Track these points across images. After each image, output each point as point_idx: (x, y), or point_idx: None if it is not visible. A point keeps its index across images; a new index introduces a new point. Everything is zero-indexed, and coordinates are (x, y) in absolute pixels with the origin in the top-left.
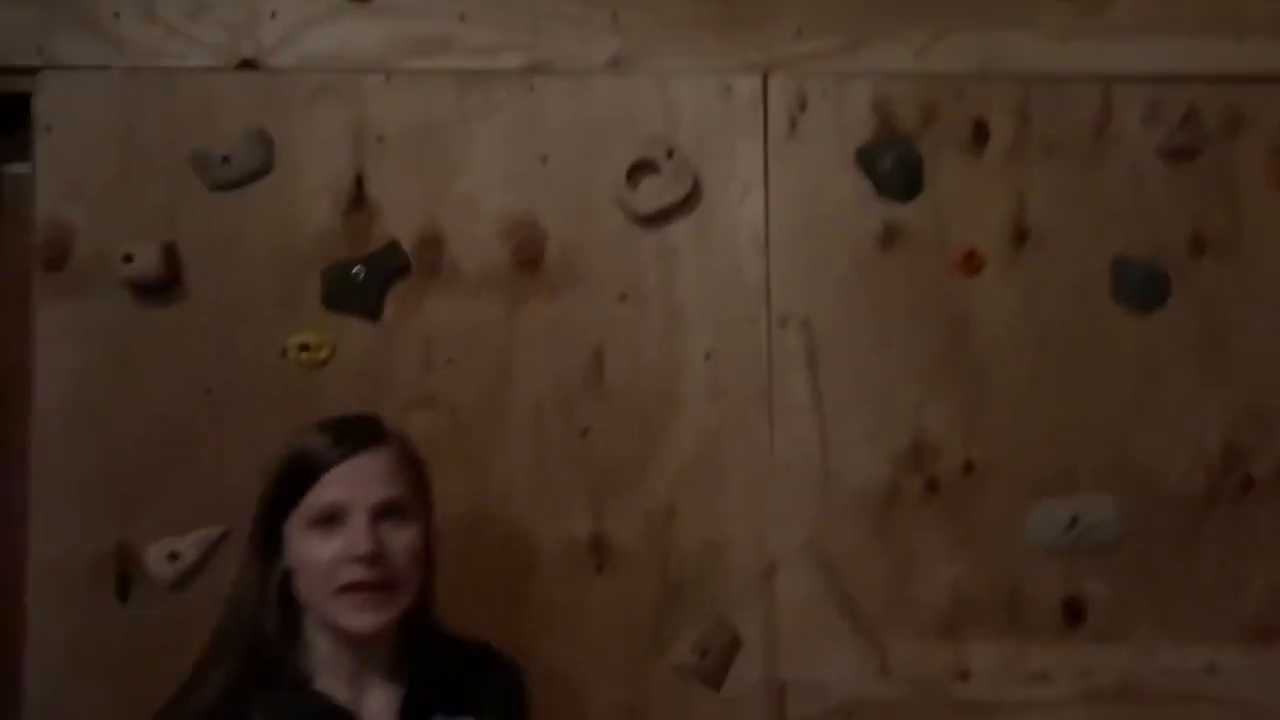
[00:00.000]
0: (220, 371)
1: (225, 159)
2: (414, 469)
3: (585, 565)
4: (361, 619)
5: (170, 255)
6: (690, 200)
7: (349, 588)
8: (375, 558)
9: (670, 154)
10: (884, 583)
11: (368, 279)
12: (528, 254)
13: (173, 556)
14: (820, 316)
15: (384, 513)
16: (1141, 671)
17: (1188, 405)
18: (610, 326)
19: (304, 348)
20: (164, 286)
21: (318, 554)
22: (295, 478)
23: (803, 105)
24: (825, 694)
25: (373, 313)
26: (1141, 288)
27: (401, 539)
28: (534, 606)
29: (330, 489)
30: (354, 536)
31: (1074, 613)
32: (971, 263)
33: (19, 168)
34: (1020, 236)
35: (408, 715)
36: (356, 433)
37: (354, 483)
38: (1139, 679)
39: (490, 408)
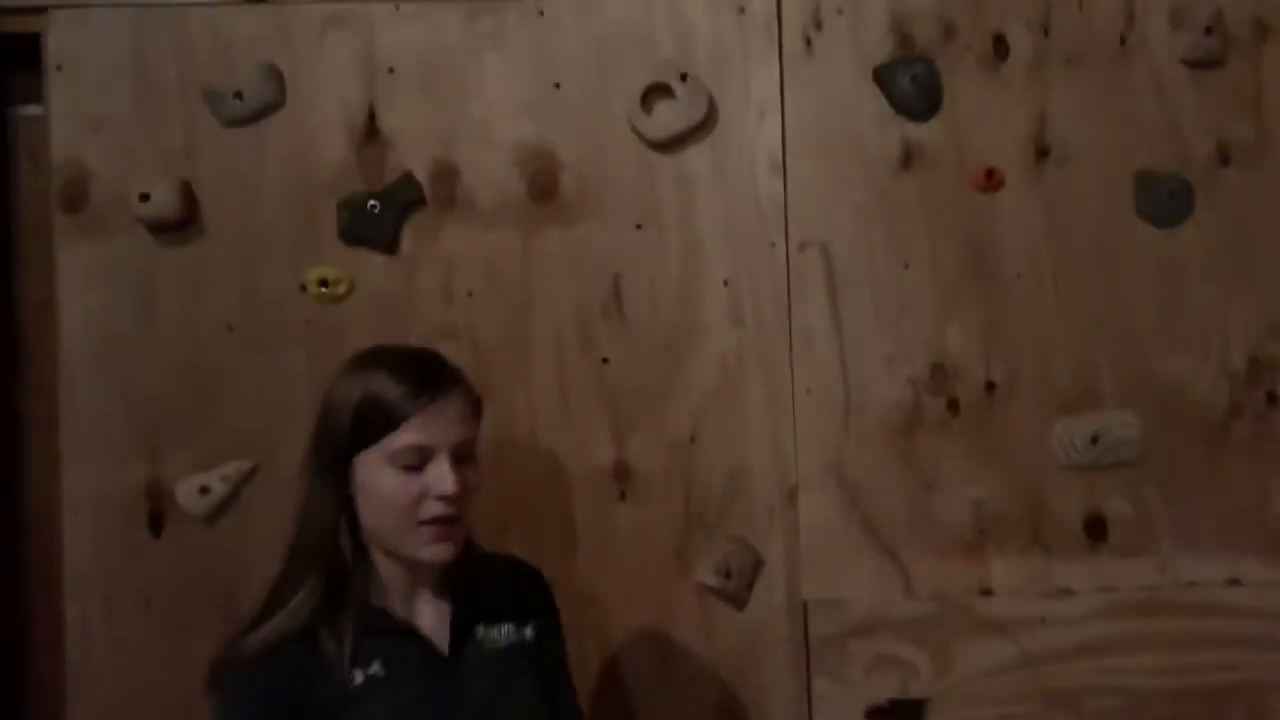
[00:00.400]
0: (242, 307)
1: (238, 95)
2: (478, 407)
3: (609, 492)
4: (437, 550)
5: (187, 193)
6: (706, 124)
7: (430, 522)
8: (457, 497)
9: (684, 77)
10: (906, 503)
11: (383, 212)
12: (543, 183)
13: (204, 491)
14: (839, 239)
15: (461, 453)
16: (1163, 585)
17: (1211, 320)
18: (628, 255)
19: (323, 282)
20: (182, 224)
21: (402, 490)
22: (376, 420)
23: (818, 24)
24: (847, 613)
25: (390, 245)
26: (1165, 202)
27: (472, 477)
28: (560, 533)
29: (415, 433)
30: (440, 477)
31: (1096, 529)
32: (992, 181)
33: (32, 109)
34: (1041, 152)
35: (456, 628)
36: (435, 378)
37: (436, 427)
38: (1160, 593)
39: (511, 339)
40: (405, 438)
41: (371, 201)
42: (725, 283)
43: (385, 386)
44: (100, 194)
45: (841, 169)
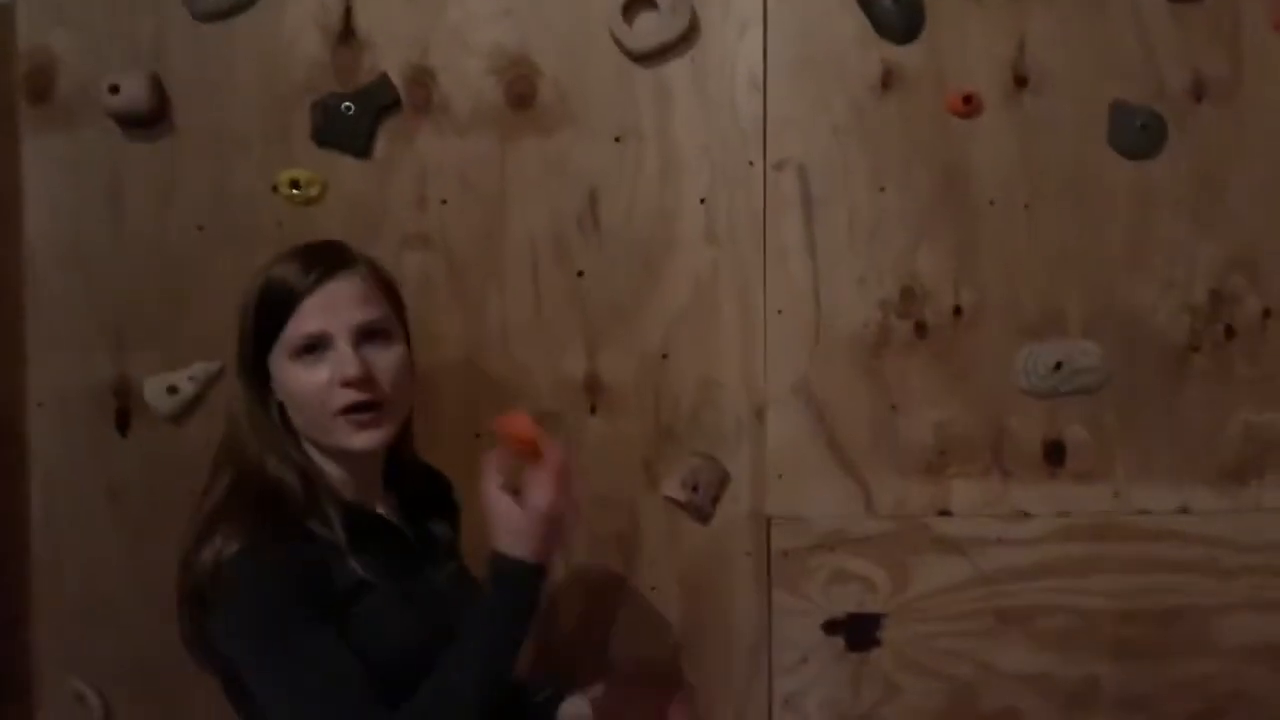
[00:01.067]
0: (212, 207)
1: None
2: (388, 289)
3: (580, 404)
4: (361, 438)
5: (156, 87)
6: (687, 37)
7: (345, 410)
8: (364, 379)
9: None
10: (871, 423)
11: (358, 114)
12: (520, 91)
13: (171, 390)
14: (816, 160)
15: (365, 335)
16: (1116, 511)
17: (1177, 253)
18: (605, 168)
19: (294, 184)
20: (152, 119)
21: (307, 382)
22: (272, 310)
23: None
24: (809, 529)
25: (363, 149)
26: (1138, 134)
27: (387, 359)
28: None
29: (308, 319)
30: (341, 361)
31: (1055, 454)
32: (969, 106)
33: None
34: (1019, 80)
35: (411, 521)
36: (325, 259)
37: (331, 309)
38: (1114, 518)
39: (485, 249)
40: (298, 325)
41: (346, 103)
42: (702, 200)
43: (278, 271)
44: (67, 85)
45: (821, 89)
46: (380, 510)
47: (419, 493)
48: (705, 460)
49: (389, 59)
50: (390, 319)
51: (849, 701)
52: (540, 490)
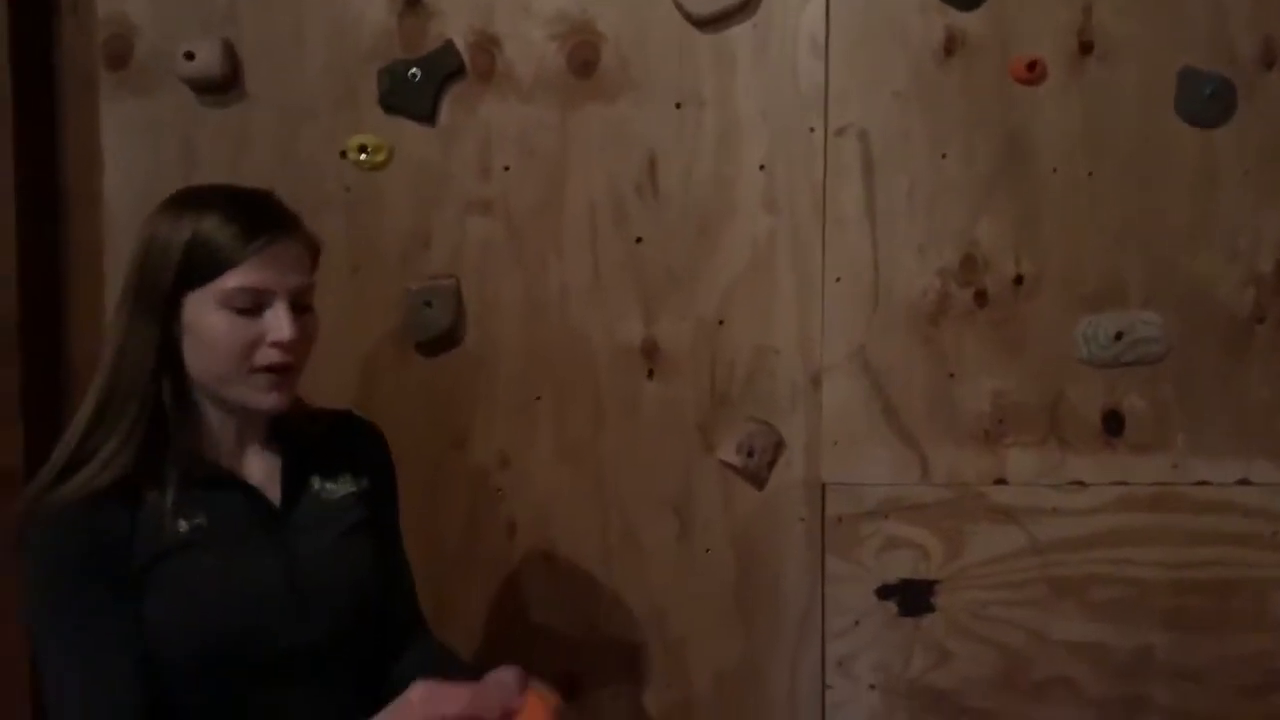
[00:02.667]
0: (281, 171)
1: None
2: (317, 255)
3: (637, 369)
4: (271, 399)
5: (229, 53)
6: (749, 3)
7: (264, 369)
8: (294, 344)
9: None
10: (928, 391)
11: (424, 80)
12: (583, 57)
13: None
14: (877, 126)
15: (298, 299)
16: (1175, 482)
17: (1242, 223)
18: (665, 134)
19: (362, 149)
20: (224, 85)
21: (234, 334)
22: (207, 259)
23: None
24: (864, 496)
25: (429, 116)
26: (1206, 102)
27: (309, 325)
28: (587, 408)
29: (251, 274)
30: (278, 323)
31: (1113, 424)
32: (1033, 73)
33: None
34: (1085, 46)
35: (289, 480)
36: (273, 220)
37: (274, 270)
38: (1172, 489)
39: (546, 214)
40: (239, 278)
41: (412, 70)
42: (761, 166)
43: (218, 225)
44: (144, 51)
45: (883, 55)
46: (248, 469)
47: (322, 447)
48: (760, 426)
49: (454, 26)
50: (313, 286)
51: (901, 666)
52: None
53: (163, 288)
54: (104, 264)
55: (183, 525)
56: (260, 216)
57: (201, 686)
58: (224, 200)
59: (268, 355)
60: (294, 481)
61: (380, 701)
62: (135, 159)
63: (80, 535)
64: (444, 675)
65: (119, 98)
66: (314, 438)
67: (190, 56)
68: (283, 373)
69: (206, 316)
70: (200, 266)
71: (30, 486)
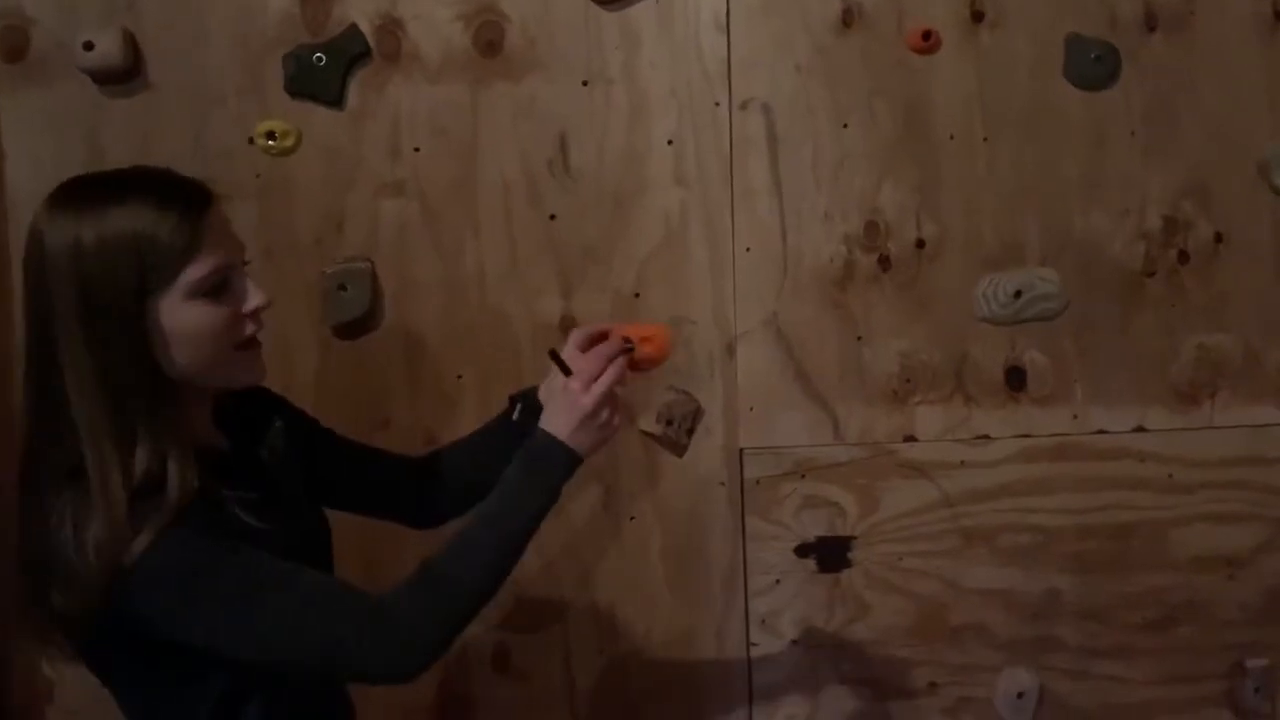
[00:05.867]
0: (190, 161)
1: None
2: None
3: (557, 345)
4: (257, 368)
5: (130, 43)
6: None
7: (246, 343)
8: (268, 305)
9: None
10: (838, 355)
11: (329, 65)
12: (488, 38)
13: None
14: (780, 99)
15: (243, 260)
16: (1075, 432)
17: (1131, 182)
18: (575, 111)
19: (270, 135)
20: (127, 75)
21: (215, 320)
22: (165, 260)
23: None
24: (780, 458)
25: (336, 99)
26: (1092, 66)
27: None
28: (508, 385)
29: (209, 258)
30: (250, 293)
31: (1016, 379)
32: (929, 43)
33: None
34: (976, 15)
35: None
36: (199, 194)
37: (224, 243)
38: (1074, 439)
39: (459, 194)
40: (201, 267)
41: (317, 54)
42: (669, 142)
43: (156, 219)
44: (42, 42)
45: (784, 29)
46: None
47: (236, 417)
48: (679, 395)
49: (357, 9)
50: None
51: (822, 620)
52: (589, 386)
53: (122, 300)
54: (9, 258)
55: (249, 518)
56: (189, 195)
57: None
58: (142, 189)
59: (248, 327)
60: (252, 454)
61: None
62: (38, 152)
63: (201, 527)
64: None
65: (17, 90)
66: (229, 411)
67: (89, 46)
68: (257, 341)
69: (181, 314)
70: (159, 269)
71: (108, 551)
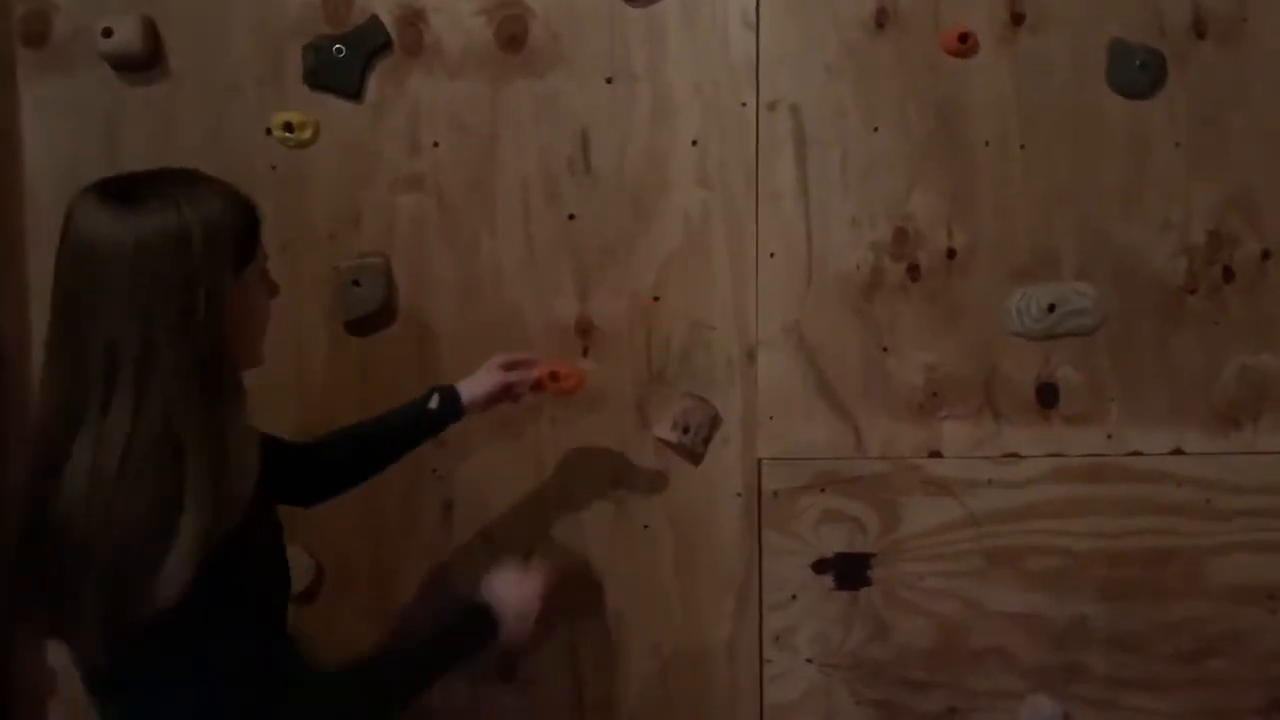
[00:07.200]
0: (207, 150)
1: None
2: None
3: (572, 346)
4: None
5: (150, 30)
6: None
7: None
8: None
9: None
10: (862, 365)
11: (349, 56)
12: (511, 32)
13: None
14: (809, 101)
15: None
16: (1109, 453)
17: (1174, 194)
18: (596, 109)
19: (288, 127)
20: (146, 63)
21: (267, 299)
22: (248, 239)
23: None
24: (799, 470)
25: (355, 92)
26: (1136, 73)
27: None
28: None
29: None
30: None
31: (1047, 396)
32: (965, 45)
33: None
34: (1016, 18)
35: None
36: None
37: None
38: (1107, 460)
39: (477, 191)
40: (262, 247)
41: (337, 46)
42: (694, 142)
43: (229, 204)
44: (63, 29)
45: (814, 28)
46: None
47: None
48: (696, 402)
49: (380, 1)
50: None
51: (839, 638)
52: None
53: (220, 274)
54: (25, 245)
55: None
56: (213, 179)
57: None
58: (196, 179)
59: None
60: None
61: None
62: (56, 139)
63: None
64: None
65: (38, 77)
66: None
67: (109, 33)
68: None
69: (256, 289)
70: (247, 244)
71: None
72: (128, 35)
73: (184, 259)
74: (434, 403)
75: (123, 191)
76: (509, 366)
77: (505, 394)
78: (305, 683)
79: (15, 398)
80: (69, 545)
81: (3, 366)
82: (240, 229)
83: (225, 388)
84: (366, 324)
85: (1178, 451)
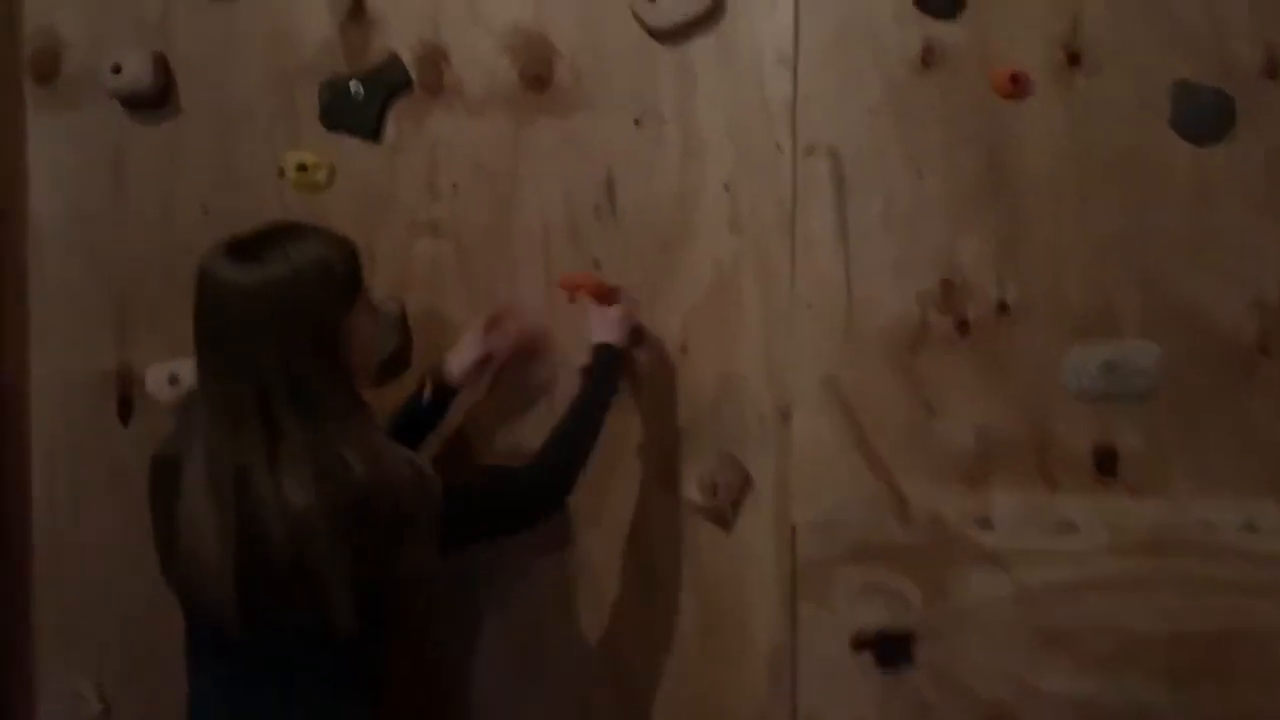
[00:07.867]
0: (218, 189)
1: None
2: None
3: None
4: None
5: (161, 66)
6: (712, 13)
7: None
8: None
9: None
10: (905, 425)
11: (367, 96)
12: (536, 71)
13: (173, 380)
14: (849, 144)
15: None
16: (1175, 525)
17: (1244, 245)
18: (623, 151)
19: (301, 168)
20: (156, 99)
21: (373, 319)
22: (357, 272)
23: None
24: (837, 538)
25: (373, 133)
26: (1204, 115)
27: None
28: (539, 430)
29: None
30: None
31: (1106, 462)
32: (1018, 86)
33: None
34: (1072, 58)
35: None
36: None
37: None
38: (1172, 533)
39: (497, 236)
40: (364, 280)
41: (355, 84)
42: (726, 186)
43: (336, 243)
44: (73, 65)
45: (855, 67)
46: None
47: None
48: (726, 461)
49: (399, 38)
50: None
51: None
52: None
53: (341, 304)
54: (28, 277)
55: None
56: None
57: None
58: (312, 227)
59: None
60: None
61: None
62: (63, 175)
63: None
64: None
65: (47, 112)
66: None
67: (118, 70)
68: None
69: (367, 314)
70: (356, 278)
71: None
72: (137, 71)
73: (307, 298)
74: (427, 395)
75: (244, 249)
76: (490, 326)
77: (488, 361)
78: (531, 473)
79: (16, 427)
80: (313, 544)
81: (4, 396)
82: (345, 267)
83: (355, 402)
84: (382, 370)
85: (1250, 527)
